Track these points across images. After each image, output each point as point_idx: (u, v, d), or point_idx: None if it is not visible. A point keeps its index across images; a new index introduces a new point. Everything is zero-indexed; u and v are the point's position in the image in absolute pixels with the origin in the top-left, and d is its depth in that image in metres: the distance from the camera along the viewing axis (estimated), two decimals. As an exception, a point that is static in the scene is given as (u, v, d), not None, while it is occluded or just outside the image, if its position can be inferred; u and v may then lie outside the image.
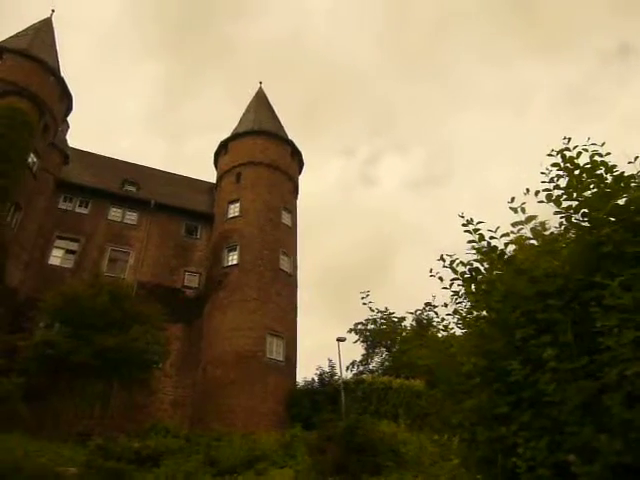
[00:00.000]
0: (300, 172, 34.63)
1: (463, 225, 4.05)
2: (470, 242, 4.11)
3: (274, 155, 31.97)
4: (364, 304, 31.20)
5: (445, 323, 4.68)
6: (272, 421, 22.58)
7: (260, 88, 38.63)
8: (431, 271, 4.21)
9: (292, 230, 30.59)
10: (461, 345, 4.29)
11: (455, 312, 4.28)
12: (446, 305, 4.36)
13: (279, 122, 35.78)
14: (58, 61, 31.60)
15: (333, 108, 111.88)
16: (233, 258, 27.76)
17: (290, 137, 34.31)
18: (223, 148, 33.45)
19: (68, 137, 32.84)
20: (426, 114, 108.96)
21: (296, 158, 33.94)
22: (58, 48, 32.67)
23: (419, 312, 31.90)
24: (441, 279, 4.14)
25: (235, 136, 33.15)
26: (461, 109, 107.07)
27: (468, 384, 3.94)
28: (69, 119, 32.54)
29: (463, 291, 4.12)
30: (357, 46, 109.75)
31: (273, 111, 36.79)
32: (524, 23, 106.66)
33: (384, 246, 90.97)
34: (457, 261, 4.10)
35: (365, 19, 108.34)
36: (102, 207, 29.28)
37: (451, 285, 4.17)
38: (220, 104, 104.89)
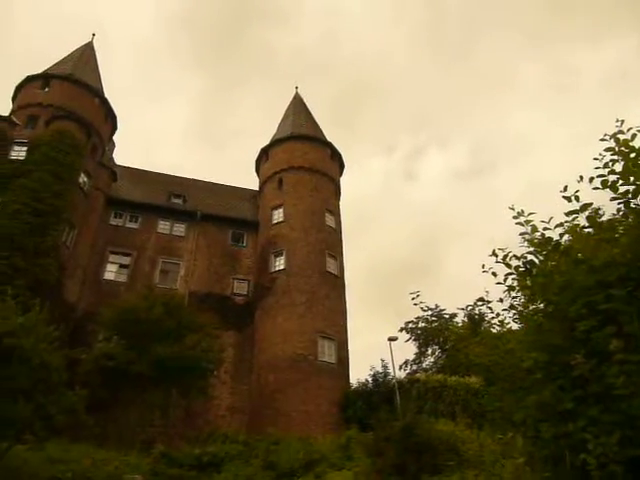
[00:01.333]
0: (341, 173, 34.65)
1: (514, 217, 3.96)
2: (522, 234, 4.00)
3: (314, 158, 32.10)
4: (415, 305, 30.84)
5: (500, 318, 4.58)
6: (327, 423, 22.62)
7: (296, 92, 38.93)
8: (483, 267, 4.12)
9: (336, 232, 30.61)
10: (519, 340, 4.18)
11: (511, 307, 4.17)
12: (501, 300, 4.26)
13: (317, 125, 35.92)
14: (101, 83, 32.74)
15: (371, 106, 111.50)
16: (280, 263, 28.01)
17: (329, 139, 34.45)
18: (264, 155, 33.87)
19: (115, 155, 33.97)
20: (467, 105, 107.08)
21: (336, 160, 33.97)
22: (100, 70, 33.91)
23: (470, 308, 31.33)
24: (494, 274, 4.05)
25: (274, 142, 33.50)
26: (504, 97, 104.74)
27: (529, 380, 3.84)
28: (115, 138, 33.67)
29: (518, 285, 4.02)
30: (392, 42, 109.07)
31: (311, 114, 36.97)
32: (565, 4, 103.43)
33: (431, 242, 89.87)
34: (510, 255, 4.00)
35: (399, 13, 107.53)
36: (151, 221, 30.11)
37: (505, 280, 4.07)
38: (259, 111, 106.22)
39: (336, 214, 31.48)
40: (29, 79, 29.50)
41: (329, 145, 33.86)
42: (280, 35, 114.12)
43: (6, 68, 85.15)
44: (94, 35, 35.64)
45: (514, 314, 4.33)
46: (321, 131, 35.42)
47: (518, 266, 3.97)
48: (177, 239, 30.04)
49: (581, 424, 3.26)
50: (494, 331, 4.82)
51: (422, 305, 30.79)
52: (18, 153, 25.45)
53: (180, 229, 30.50)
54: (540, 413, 3.69)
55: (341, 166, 34.65)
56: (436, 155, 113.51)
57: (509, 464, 10.91)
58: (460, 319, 31.31)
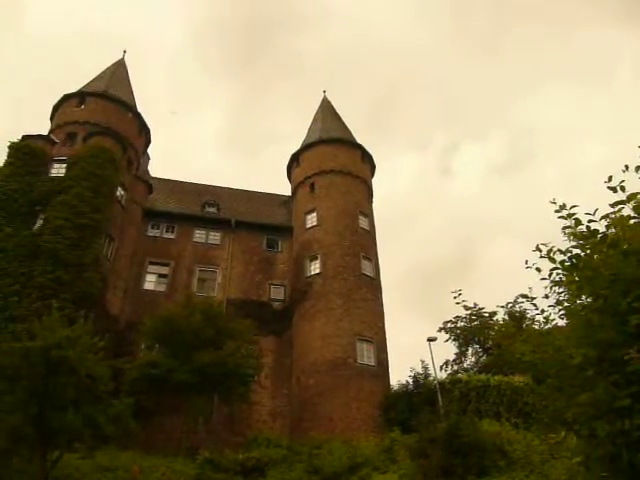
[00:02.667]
0: (372, 175, 34.53)
1: (556, 211, 3.85)
2: (566, 228, 3.89)
3: (345, 161, 32.09)
4: (457, 303, 30.29)
5: (545, 315, 4.46)
6: (369, 426, 22.48)
7: (324, 97, 39.04)
8: (527, 262, 4.02)
9: (371, 234, 30.48)
10: (567, 337, 4.06)
11: (558, 303, 4.06)
12: (547, 296, 4.15)
13: (346, 128, 35.92)
14: (134, 97, 33.53)
15: (402, 105, 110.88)
16: (315, 267, 28.05)
17: (360, 140, 34.43)
18: (295, 160, 34.05)
19: (149, 168, 34.73)
20: (502, 97, 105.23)
21: (367, 161, 33.88)
22: (132, 84, 34.75)
23: (510, 305, 30.74)
24: (539, 270, 3.94)
25: (305, 147, 33.64)
26: (539, 87, 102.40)
27: (580, 377, 3.73)
28: (149, 151, 34.41)
29: (563, 280, 3.91)
30: (420, 38, 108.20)
31: (339, 118, 37.01)
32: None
33: (468, 239, 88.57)
34: (554, 249, 3.89)
35: (426, 8, 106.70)
36: (187, 230, 30.60)
37: (550, 275, 3.96)
38: (290, 116, 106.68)
39: (369, 216, 31.36)
40: (65, 98, 30.44)
41: (359, 147, 33.81)
42: (307, 40, 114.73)
43: (44, 88, 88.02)
44: (125, 52, 36.61)
45: (560, 310, 4.21)
46: (350, 133, 35.40)
47: (563, 260, 3.86)
48: (213, 247, 30.44)
49: (638, 421, 3.14)
50: (537, 327, 4.70)
51: (464, 303, 30.37)
52: (58, 170, 26.25)
53: (215, 237, 30.90)
54: (594, 411, 3.57)
55: (372, 167, 34.54)
56: (472, 149, 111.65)
57: (560, 464, 10.64)
58: (500, 317, 30.79)
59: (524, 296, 4.52)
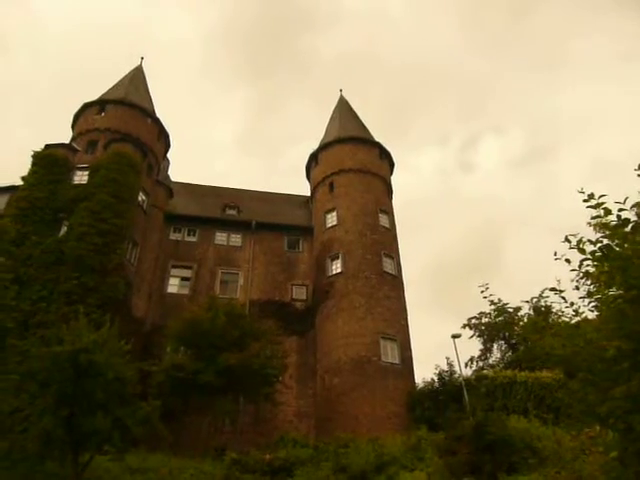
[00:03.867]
0: (392, 172, 34.40)
1: (584, 201, 3.76)
2: (594, 218, 3.80)
3: (363, 159, 32.03)
4: (484, 298, 30.19)
5: (575, 307, 4.37)
6: (395, 424, 22.37)
7: (341, 96, 39.02)
8: (555, 254, 3.93)
9: (391, 231, 30.35)
10: (598, 329, 3.97)
11: (589, 294, 3.97)
12: (578, 288, 4.06)
13: (364, 126, 35.85)
14: (152, 103, 33.91)
15: (420, 101, 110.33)
16: (337, 267, 28.02)
17: (378, 138, 34.33)
18: (313, 160, 34.10)
19: (170, 172, 35.07)
20: (521, 88, 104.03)
21: (385, 159, 33.76)
22: (150, 90, 35.15)
23: (535, 300, 30.34)
24: (568, 261, 3.86)
25: (323, 147, 33.65)
26: (560, 77, 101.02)
27: (614, 370, 3.63)
28: (168, 155, 34.75)
29: (594, 271, 3.81)
30: (436, 34, 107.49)
31: (357, 116, 36.95)
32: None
33: (490, 234, 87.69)
34: (584, 240, 3.80)
35: (441, 5, 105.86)
36: (208, 233, 30.84)
37: (580, 266, 3.87)
38: (308, 116, 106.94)
39: (389, 213, 31.22)
40: (86, 106, 30.92)
41: (377, 145, 33.70)
42: (323, 39, 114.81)
43: (64, 97, 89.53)
44: (143, 58, 37.05)
45: (590, 302, 4.12)
46: (368, 132, 35.31)
47: (594, 251, 3.77)
48: (234, 249, 30.61)
49: (677, 414, 3.05)
50: (565, 321, 4.58)
51: (491, 298, 30.17)
52: (80, 178, 26.68)
53: (236, 239, 31.07)
54: (629, 405, 3.48)
55: (391, 165, 34.41)
56: (492, 142, 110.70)
57: (591, 460, 10.44)
58: (525, 312, 30.42)
59: (553, 289, 4.43)
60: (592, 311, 4.27)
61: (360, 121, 36.44)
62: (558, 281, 4.68)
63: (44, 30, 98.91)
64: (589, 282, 3.94)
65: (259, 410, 22.15)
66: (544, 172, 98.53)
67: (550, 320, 26.74)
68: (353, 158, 31.89)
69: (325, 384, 24.92)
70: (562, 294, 4.46)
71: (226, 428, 21.73)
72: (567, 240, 3.90)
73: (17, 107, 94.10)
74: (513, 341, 29.88)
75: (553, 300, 29.66)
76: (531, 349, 23.75)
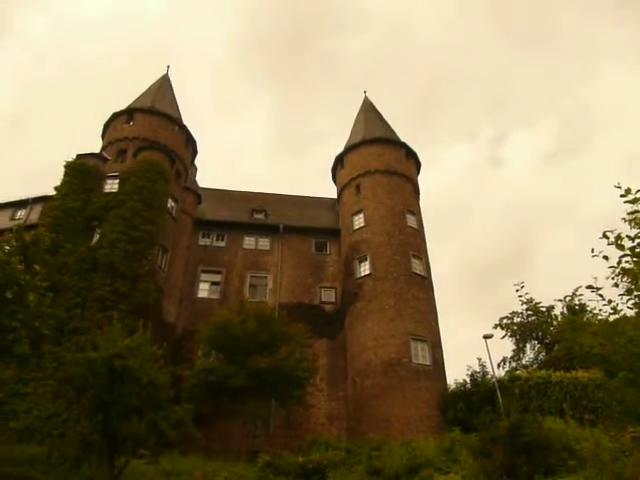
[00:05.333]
0: (418, 172, 34.15)
1: (621, 196, 3.63)
2: (632, 213, 3.68)
3: (389, 160, 31.88)
4: (520, 296, 29.78)
5: (613, 305, 4.23)
6: (428, 426, 22.15)
7: (365, 97, 38.94)
8: (593, 251, 3.81)
9: (419, 232, 30.10)
10: (638, 327, 3.84)
11: (628, 292, 3.83)
12: (617, 285, 3.93)
13: (389, 127, 35.69)
14: (179, 111, 34.42)
15: (446, 98, 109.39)
16: (365, 268, 27.92)
17: (406, 138, 34.37)
18: (339, 162, 34.11)
19: (197, 178, 35.51)
20: (550, 80, 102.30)
21: (412, 159, 33.54)
22: (177, 98, 35.68)
23: (569, 298, 29.73)
24: (606, 258, 3.74)
25: (348, 149, 33.63)
26: (591, 68, 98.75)
27: (656, 369, 3.51)
28: (196, 162, 35.19)
29: (633, 267, 3.68)
30: (461, 32, 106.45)
31: (382, 117, 36.80)
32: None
33: (522, 231, 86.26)
34: (623, 236, 3.67)
35: (466, 3, 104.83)
36: (236, 238, 31.10)
37: (619, 263, 3.75)
38: (334, 118, 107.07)
39: (417, 214, 30.98)
40: (115, 116, 31.59)
41: (403, 145, 33.50)
42: (346, 41, 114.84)
43: (94, 107, 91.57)
44: (169, 67, 37.64)
45: (629, 299, 3.98)
46: (394, 132, 35.14)
47: (633, 247, 3.65)
48: (262, 253, 30.78)
49: None
50: (603, 318, 4.43)
51: (527, 297, 29.75)
52: (111, 186, 27.24)
53: (264, 243, 31.25)
54: (673, 404, 3.36)
55: (417, 165, 34.16)
56: (521, 136, 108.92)
57: (632, 461, 10.13)
58: (558, 311, 29.84)
59: (589, 287, 4.30)
60: (631, 308, 4.13)
61: (385, 122, 36.29)
62: (595, 278, 4.55)
63: (75, 42, 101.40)
64: (628, 279, 3.81)
65: (290, 413, 22.17)
66: (577, 166, 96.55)
67: (585, 319, 26.19)
68: (379, 159, 31.77)
69: (356, 387, 24.83)
70: (599, 291, 4.33)
71: (258, 431, 21.79)
72: (605, 236, 3.78)
73: (49, 117, 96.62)
74: (547, 341, 29.31)
75: (590, 298, 28.96)
76: (569, 348, 23.23)
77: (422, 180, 34.34)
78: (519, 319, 31.07)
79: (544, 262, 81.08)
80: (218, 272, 29.61)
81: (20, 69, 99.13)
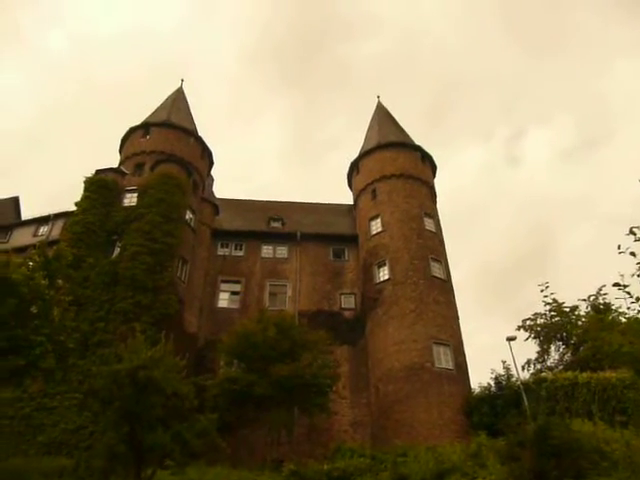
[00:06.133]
0: (434, 175, 34.00)
1: (645, 190, 3.58)
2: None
3: (404, 164, 31.81)
4: (545, 297, 29.40)
5: (641, 302, 4.15)
6: (453, 431, 21.91)
7: (379, 102, 38.95)
8: (619, 247, 3.75)
9: (437, 235, 29.93)
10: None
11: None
12: (644, 282, 3.85)
13: (403, 131, 35.65)
14: (194, 123, 34.80)
15: (460, 99, 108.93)
16: (384, 273, 27.82)
17: (421, 141, 34.19)
18: (354, 168, 34.13)
19: (214, 189, 35.79)
20: (566, 77, 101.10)
21: (427, 162, 33.44)
22: (192, 110, 36.09)
23: (593, 297, 29.24)
24: (633, 254, 3.67)
25: (363, 154, 33.65)
26: (607, 62, 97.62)
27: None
28: (212, 172, 35.48)
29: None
30: (474, 33, 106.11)
31: (395, 121, 36.78)
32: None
33: (543, 230, 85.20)
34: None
35: (476, 6, 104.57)
36: (254, 247, 31.23)
37: (647, 259, 3.68)
38: (347, 124, 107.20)
39: (434, 217, 30.83)
40: (131, 130, 32.06)
41: (418, 149, 33.42)
42: (359, 47, 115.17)
43: (112, 123, 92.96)
44: (183, 80, 38.10)
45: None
46: (408, 136, 35.08)
47: (661, 242, 3.58)
48: (281, 261, 30.87)
49: None
50: (632, 317, 4.35)
51: (553, 296, 29.36)
52: (130, 200, 27.61)
53: (282, 251, 31.33)
54: None
55: (433, 168, 34.03)
56: (538, 134, 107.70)
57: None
58: (582, 311, 29.35)
59: (616, 284, 4.23)
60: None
61: (399, 126, 36.24)
62: (621, 276, 4.47)
63: (91, 60, 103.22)
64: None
65: (314, 421, 22.11)
66: (596, 162, 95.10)
67: (610, 318, 25.72)
68: (394, 164, 31.72)
69: (379, 392, 24.68)
70: (626, 289, 4.25)
71: (282, 440, 21.75)
72: (632, 232, 3.72)
73: (68, 134, 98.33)
74: (572, 341, 28.83)
75: (616, 296, 28.42)
76: (597, 348, 22.81)
77: (438, 183, 34.31)
78: (542, 320, 30.62)
79: (565, 261, 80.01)
80: (237, 282, 29.76)
81: (38, 87, 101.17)
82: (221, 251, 31.04)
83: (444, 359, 24.32)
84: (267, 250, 31.34)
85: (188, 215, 28.57)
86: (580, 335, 27.24)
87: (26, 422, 19.40)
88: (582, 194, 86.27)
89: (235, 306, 28.76)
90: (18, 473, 14.59)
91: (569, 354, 28.67)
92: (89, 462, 14.52)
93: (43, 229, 30.76)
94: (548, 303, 30.19)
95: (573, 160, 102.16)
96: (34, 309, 12.68)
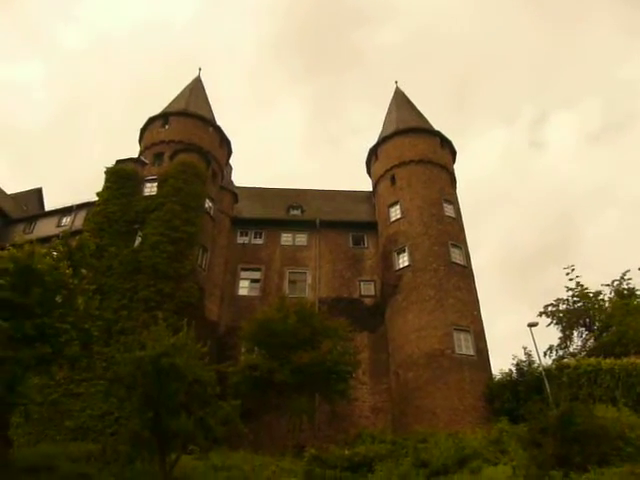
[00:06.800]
0: (454, 160, 33.61)
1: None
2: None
3: (423, 150, 31.50)
4: (570, 280, 29.10)
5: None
6: (474, 417, 21.90)
7: (397, 87, 38.51)
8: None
9: (457, 221, 29.65)
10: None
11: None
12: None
13: (422, 116, 35.25)
14: (212, 112, 34.83)
15: (481, 82, 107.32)
16: (404, 260, 27.71)
17: (441, 126, 33.96)
18: (373, 154, 33.90)
19: (233, 177, 35.91)
20: (592, 57, 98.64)
21: (447, 147, 33.06)
22: (210, 99, 36.13)
23: (617, 283, 28.83)
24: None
25: (382, 140, 33.36)
26: (637, 41, 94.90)
27: None
28: (231, 161, 35.57)
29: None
30: (495, 12, 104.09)
31: (414, 106, 36.37)
32: None
33: (567, 214, 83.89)
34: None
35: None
36: (274, 235, 31.35)
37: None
38: (366, 110, 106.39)
39: (454, 202, 30.53)
40: (150, 120, 32.23)
41: (437, 134, 33.05)
42: (377, 32, 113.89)
43: (131, 113, 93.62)
44: (200, 69, 38.11)
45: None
46: (427, 121, 34.68)
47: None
48: (300, 249, 30.94)
49: None
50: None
51: (577, 279, 29.03)
52: (150, 189, 27.81)
53: (302, 239, 31.39)
54: None
55: (453, 153, 33.63)
56: (564, 117, 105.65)
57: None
58: (606, 296, 28.97)
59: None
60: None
61: (418, 111, 35.83)
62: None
63: (110, 53, 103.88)
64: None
65: (335, 407, 22.26)
66: (623, 145, 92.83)
67: (635, 302, 25.31)
68: (413, 149, 31.43)
69: (399, 379, 24.72)
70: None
71: (303, 426, 21.97)
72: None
73: (89, 126, 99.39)
74: (595, 327, 28.50)
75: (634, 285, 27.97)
76: (622, 333, 22.50)
77: (459, 168, 33.85)
78: (565, 306, 30.31)
79: (589, 247, 78.78)
80: (257, 269, 29.93)
81: (59, 81, 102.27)
82: (241, 239, 31.20)
83: (464, 345, 24.24)
84: (286, 238, 31.42)
85: (207, 204, 28.73)
86: (604, 320, 26.91)
87: (54, 408, 19.87)
88: (607, 179, 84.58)
89: (255, 294, 28.96)
90: (47, 458, 14.98)
91: (592, 340, 28.37)
92: (115, 447, 14.86)
93: (66, 219, 31.31)
94: (570, 288, 29.86)
95: (599, 144, 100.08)
96: (59, 298, 12.91)
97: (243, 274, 29.86)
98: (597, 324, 28.15)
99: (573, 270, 29.45)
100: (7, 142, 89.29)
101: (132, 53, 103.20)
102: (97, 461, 15.12)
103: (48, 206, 36.39)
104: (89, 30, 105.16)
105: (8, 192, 36.69)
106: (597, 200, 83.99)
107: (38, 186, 40.10)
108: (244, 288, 29.37)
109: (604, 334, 26.61)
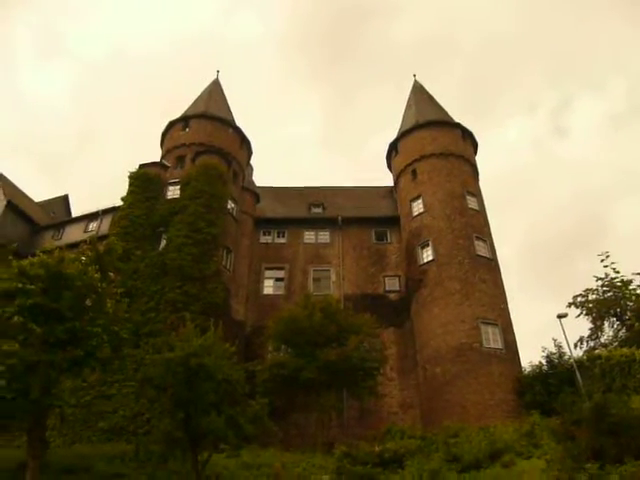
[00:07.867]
0: (476, 152, 33.25)
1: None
2: None
3: (444, 143, 31.22)
4: (605, 267, 28.53)
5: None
6: (504, 411, 21.68)
7: (415, 81, 38.27)
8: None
9: (481, 213, 29.33)
10: None
11: None
12: None
13: (442, 108, 34.95)
14: (231, 113, 35.06)
15: (502, 72, 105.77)
16: (428, 254, 27.53)
17: (462, 118, 33.62)
18: (393, 149, 33.74)
19: (254, 178, 36.10)
20: (613, 39, 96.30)
21: (468, 139, 32.71)
22: (229, 101, 36.36)
23: (649, 270, 28.11)
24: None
25: (402, 135, 33.18)
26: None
27: None
28: (252, 161, 35.75)
29: None
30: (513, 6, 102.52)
31: (433, 99, 36.07)
32: None
33: (594, 203, 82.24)
34: None
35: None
36: (297, 233, 31.45)
37: None
38: (385, 105, 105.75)
39: (477, 195, 30.20)
40: (171, 124, 32.57)
41: (458, 125, 32.72)
42: (393, 25, 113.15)
43: (152, 117, 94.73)
44: (218, 72, 38.43)
45: None
46: (447, 114, 34.36)
47: None
48: (323, 246, 30.98)
49: None
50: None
51: (612, 266, 28.33)
52: (173, 192, 28.16)
53: (324, 237, 31.43)
54: None
55: (474, 145, 33.26)
56: (588, 101, 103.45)
57: None
58: (636, 285, 28.27)
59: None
60: None
61: (437, 104, 35.53)
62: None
63: (127, 57, 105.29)
64: None
65: (363, 403, 22.25)
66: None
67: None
68: (433, 143, 31.18)
69: (427, 374, 24.59)
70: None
71: (333, 423, 22.02)
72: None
73: (112, 133, 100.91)
74: (627, 317, 27.88)
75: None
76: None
77: (481, 159, 33.50)
78: (594, 296, 29.69)
79: (618, 233, 77.09)
80: (281, 268, 30.07)
81: (83, 91, 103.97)
82: (264, 239, 31.39)
83: (492, 339, 24.00)
84: (309, 236, 31.50)
85: (230, 205, 28.94)
86: (636, 310, 26.32)
87: (88, 409, 20.30)
88: (636, 162, 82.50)
89: (280, 292, 29.11)
90: (83, 458, 15.31)
91: (624, 330, 27.77)
92: (148, 447, 15.10)
93: (93, 225, 31.83)
94: (600, 278, 29.24)
95: (625, 127, 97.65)
96: (89, 302, 13.17)
97: (267, 273, 30.03)
98: (628, 314, 27.53)
99: (608, 257, 28.77)
100: (31, 151, 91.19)
101: (149, 61, 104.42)
102: (131, 461, 15.40)
103: (75, 212, 37.15)
104: (108, 39, 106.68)
105: (36, 200, 37.49)
106: (625, 185, 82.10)
107: (64, 193, 40.93)
108: (269, 287, 29.55)
109: (636, 324, 26.03)
